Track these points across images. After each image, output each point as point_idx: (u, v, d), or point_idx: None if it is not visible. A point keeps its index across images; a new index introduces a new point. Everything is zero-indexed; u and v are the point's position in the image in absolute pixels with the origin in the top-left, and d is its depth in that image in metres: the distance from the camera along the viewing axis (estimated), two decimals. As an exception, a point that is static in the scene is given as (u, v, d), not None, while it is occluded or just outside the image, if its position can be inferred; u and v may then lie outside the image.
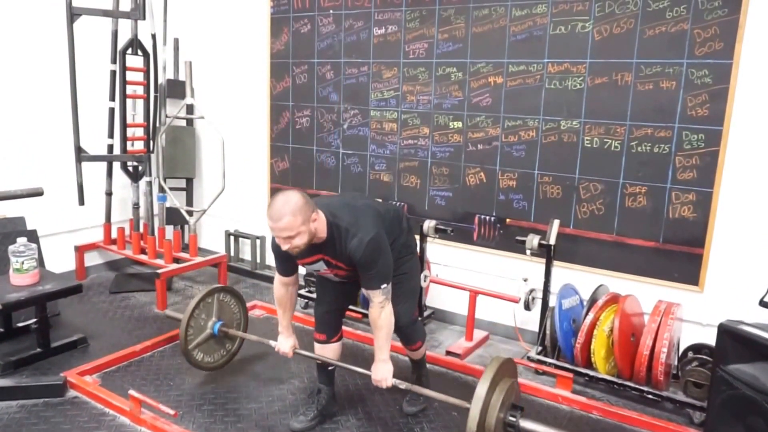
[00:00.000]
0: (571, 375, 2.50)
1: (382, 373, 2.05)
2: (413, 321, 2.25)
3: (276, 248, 2.02)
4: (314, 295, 3.29)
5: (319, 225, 1.92)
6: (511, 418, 1.77)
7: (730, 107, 2.43)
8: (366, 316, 3.14)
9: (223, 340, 2.58)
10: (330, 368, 2.25)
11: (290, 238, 1.85)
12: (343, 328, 2.32)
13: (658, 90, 2.57)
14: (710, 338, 2.26)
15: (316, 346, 2.23)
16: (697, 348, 2.49)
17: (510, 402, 1.80)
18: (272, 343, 2.32)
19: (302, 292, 3.42)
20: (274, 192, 3.91)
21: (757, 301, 2.11)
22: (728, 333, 2.02)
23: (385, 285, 1.99)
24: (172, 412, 2.09)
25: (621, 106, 2.66)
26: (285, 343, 2.27)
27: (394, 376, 2.07)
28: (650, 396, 2.39)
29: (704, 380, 2.29)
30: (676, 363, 2.51)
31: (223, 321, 2.54)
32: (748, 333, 1.97)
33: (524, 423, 1.76)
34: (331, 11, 3.45)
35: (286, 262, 2.11)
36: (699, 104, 2.49)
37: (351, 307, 3.00)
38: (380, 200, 2.89)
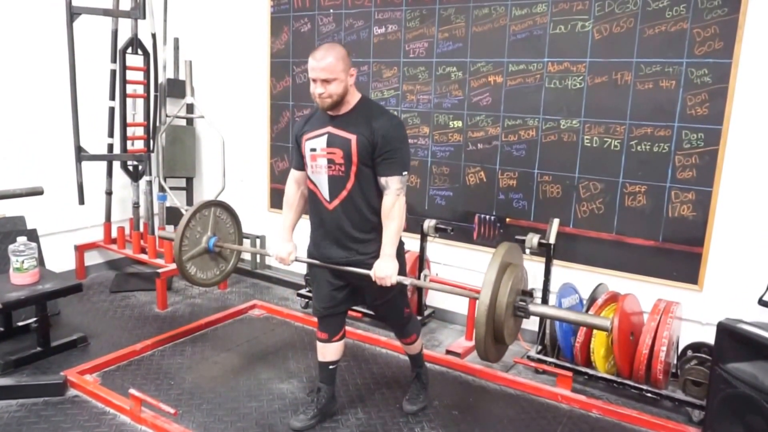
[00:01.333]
0: (570, 374, 2.51)
1: (387, 270, 1.93)
2: (407, 317, 2.26)
3: (296, 128, 2.09)
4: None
5: (353, 91, 1.97)
6: (521, 302, 1.75)
7: (729, 106, 2.43)
8: (366, 315, 3.15)
9: (216, 258, 2.56)
10: (331, 367, 2.24)
11: (327, 82, 1.88)
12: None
13: (658, 89, 2.57)
14: (709, 337, 2.27)
15: (319, 344, 2.22)
16: (696, 347, 2.49)
17: (519, 287, 1.78)
18: (270, 251, 2.24)
19: (303, 291, 3.43)
20: (274, 193, 3.91)
21: (756, 300, 2.11)
22: (727, 332, 2.02)
23: (405, 172, 1.96)
24: (172, 410, 2.10)
25: (621, 106, 2.66)
26: (283, 248, 2.16)
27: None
28: (649, 394, 2.39)
29: (703, 379, 2.30)
30: (675, 362, 2.51)
31: (218, 237, 2.52)
32: (747, 332, 1.98)
33: (534, 307, 1.75)
34: (331, 10, 3.45)
35: (299, 150, 2.09)
36: (698, 103, 2.50)
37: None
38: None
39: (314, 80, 1.91)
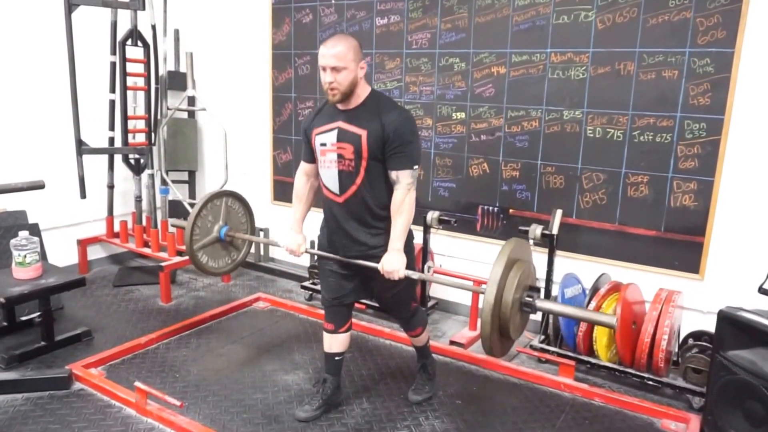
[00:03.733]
0: (573, 363, 2.53)
1: (395, 264, 1.93)
2: (413, 310, 2.27)
3: (305, 123, 2.08)
4: (318, 287, 3.31)
5: (363, 83, 1.96)
6: (527, 298, 1.75)
7: (731, 96, 2.44)
8: (370, 307, 3.16)
9: (228, 247, 2.57)
10: (337, 358, 2.25)
11: (336, 70, 1.87)
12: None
13: (661, 79, 2.57)
14: (710, 325, 2.28)
15: (325, 335, 2.23)
16: (697, 335, 2.51)
17: (526, 283, 1.79)
18: (280, 242, 2.25)
19: (307, 283, 3.44)
20: (277, 185, 3.91)
21: (757, 288, 2.13)
22: (728, 319, 2.04)
23: (416, 167, 1.96)
24: (177, 403, 2.10)
25: (623, 96, 2.66)
26: (293, 240, 2.18)
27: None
28: (651, 382, 2.42)
29: (704, 366, 2.32)
30: (676, 350, 2.53)
31: (230, 227, 2.54)
32: (748, 319, 2.00)
33: (541, 303, 1.75)
34: (333, 1, 3.43)
35: (309, 143, 2.09)
36: (701, 93, 2.50)
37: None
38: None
39: (323, 68, 1.90)
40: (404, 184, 1.94)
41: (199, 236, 2.44)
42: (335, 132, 1.98)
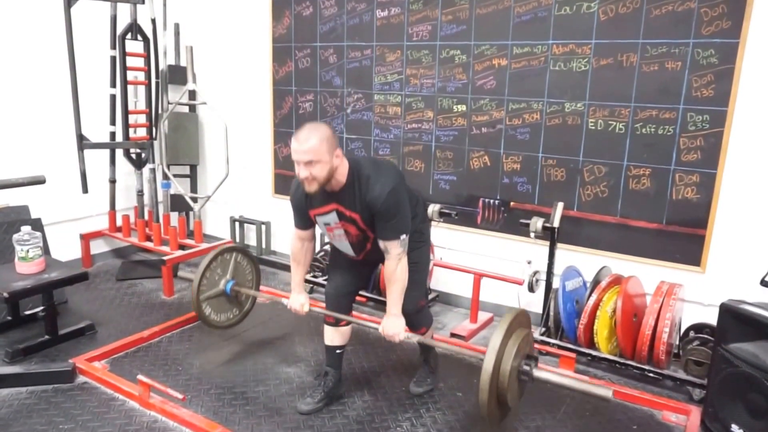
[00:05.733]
0: (573, 355, 2.53)
1: (395, 328, 2.05)
2: (419, 309, 2.27)
3: (295, 199, 2.08)
4: (319, 280, 3.32)
5: (341, 168, 1.93)
6: (525, 367, 1.77)
7: (735, 88, 2.41)
8: (370, 299, 3.17)
9: (232, 302, 2.63)
10: (338, 351, 2.26)
11: (311, 164, 1.85)
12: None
13: (664, 71, 2.55)
14: (711, 318, 2.28)
15: (326, 328, 2.25)
16: (698, 327, 2.51)
17: (525, 352, 1.80)
18: (284, 300, 2.33)
19: (307, 276, 3.44)
20: (278, 178, 3.91)
21: (759, 281, 2.12)
22: (730, 312, 2.05)
23: (404, 236, 1.98)
24: (180, 395, 2.12)
25: (626, 88, 2.64)
26: (296, 300, 2.27)
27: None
28: (651, 374, 2.42)
29: (705, 359, 2.32)
30: (677, 342, 2.54)
31: (236, 281, 2.59)
32: (750, 312, 2.00)
33: (538, 372, 1.77)
34: (332, -6, 3.41)
35: (304, 215, 2.12)
36: (704, 85, 2.48)
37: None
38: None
39: (297, 162, 1.89)
40: (394, 255, 1.99)
41: (205, 287, 2.50)
42: (334, 213, 2.03)
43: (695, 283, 2.60)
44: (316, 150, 1.83)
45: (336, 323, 2.22)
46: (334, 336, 2.24)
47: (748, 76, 2.39)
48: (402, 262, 2.00)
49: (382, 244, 2.00)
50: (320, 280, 3.33)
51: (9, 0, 3.21)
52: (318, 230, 2.20)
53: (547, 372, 1.78)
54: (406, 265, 2.02)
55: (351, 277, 2.26)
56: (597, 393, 1.75)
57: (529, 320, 1.95)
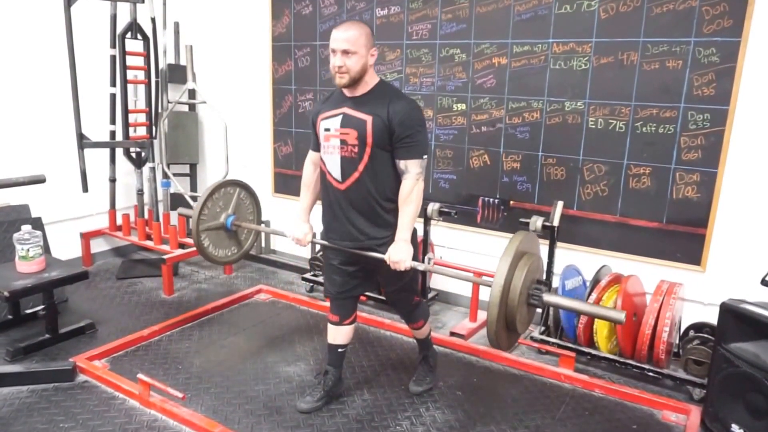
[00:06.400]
0: (573, 354, 2.53)
1: (402, 254, 1.91)
2: (416, 305, 2.27)
3: (314, 112, 2.06)
4: (320, 279, 3.31)
5: (371, 72, 1.94)
6: (535, 290, 1.74)
7: (736, 86, 2.40)
8: (371, 298, 3.17)
9: (232, 238, 2.56)
10: (340, 350, 2.26)
11: (347, 54, 1.85)
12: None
13: (664, 69, 2.54)
14: (712, 317, 2.28)
15: (330, 327, 2.23)
16: (698, 327, 2.51)
17: (534, 276, 1.77)
18: (286, 231, 2.23)
19: (308, 275, 3.45)
20: (278, 177, 3.91)
21: (759, 280, 2.12)
22: (730, 312, 2.04)
23: (425, 156, 1.94)
24: (180, 394, 2.12)
25: (626, 87, 2.63)
26: (300, 229, 2.16)
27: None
28: (651, 374, 2.42)
29: (705, 358, 2.32)
30: (677, 341, 2.53)
31: (237, 217, 2.52)
32: (750, 312, 2.00)
33: (548, 296, 1.74)
34: (331, -8, 3.40)
35: (317, 132, 2.08)
36: (705, 83, 2.47)
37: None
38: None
39: (334, 51, 1.89)
40: (413, 174, 1.92)
41: (206, 218, 2.43)
42: (340, 117, 1.97)
43: (695, 283, 2.59)
44: (355, 40, 1.84)
45: (339, 322, 2.21)
46: (337, 335, 2.23)
47: (749, 74, 2.38)
48: (419, 183, 1.93)
49: (402, 163, 1.92)
50: (320, 279, 3.33)
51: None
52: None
53: (556, 297, 1.74)
54: (422, 188, 1.96)
55: (345, 282, 2.15)
56: (609, 315, 1.69)
57: (538, 243, 1.88)
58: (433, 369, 2.42)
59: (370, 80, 1.95)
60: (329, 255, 2.18)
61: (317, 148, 2.11)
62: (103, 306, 3.19)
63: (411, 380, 2.40)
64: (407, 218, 1.94)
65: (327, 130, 2.00)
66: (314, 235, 2.22)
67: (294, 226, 2.18)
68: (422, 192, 1.96)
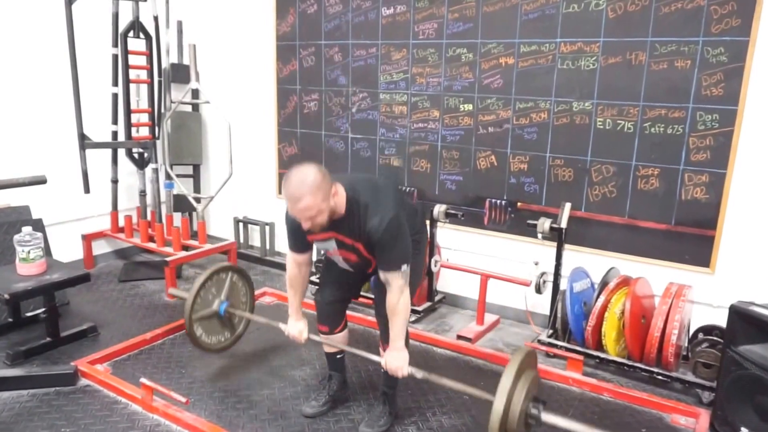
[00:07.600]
0: (581, 357, 2.51)
1: (398, 362, 1.95)
2: None
3: (289, 223, 1.99)
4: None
5: (339, 200, 1.85)
6: (533, 410, 1.75)
7: (745, 86, 2.39)
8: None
9: (225, 324, 2.52)
10: (339, 356, 2.23)
11: (311, 218, 1.78)
12: (354, 314, 2.31)
13: (673, 69, 2.52)
14: (721, 320, 2.26)
15: (321, 338, 2.21)
16: (707, 329, 2.49)
17: (532, 394, 1.78)
18: (281, 326, 2.24)
19: (313, 278, 3.42)
20: (282, 178, 3.87)
21: (771, 283, 2.10)
22: (739, 314, 2.03)
23: (405, 266, 1.90)
24: (183, 399, 2.10)
25: (634, 87, 2.61)
26: (294, 327, 2.17)
27: (410, 360, 2.03)
28: (660, 377, 2.40)
29: (714, 361, 2.30)
30: (686, 344, 2.51)
31: (230, 303, 2.48)
32: (760, 314, 1.98)
33: (546, 416, 1.75)
34: (337, -9, 3.38)
35: (299, 239, 2.03)
36: (714, 84, 2.45)
37: (362, 293, 2.97)
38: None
39: (296, 218, 1.82)
40: (396, 287, 1.90)
41: (199, 307, 2.37)
42: (333, 241, 1.96)
43: (704, 285, 2.57)
44: (311, 206, 1.74)
45: (330, 332, 2.18)
46: (330, 345, 2.21)
47: (759, 74, 2.36)
48: (404, 294, 1.91)
49: (382, 275, 1.91)
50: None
51: (10, -2, 3.19)
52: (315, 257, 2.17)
53: (554, 417, 1.74)
54: (408, 297, 1.94)
55: (342, 285, 2.18)
56: None
57: (536, 360, 1.91)
58: (392, 412, 2.20)
59: (340, 208, 1.87)
60: (331, 266, 2.18)
61: (300, 250, 2.08)
62: (105, 309, 3.16)
63: (362, 422, 2.18)
64: (398, 328, 1.95)
65: (326, 249, 2.05)
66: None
67: (289, 324, 2.19)
68: (408, 301, 1.93)
